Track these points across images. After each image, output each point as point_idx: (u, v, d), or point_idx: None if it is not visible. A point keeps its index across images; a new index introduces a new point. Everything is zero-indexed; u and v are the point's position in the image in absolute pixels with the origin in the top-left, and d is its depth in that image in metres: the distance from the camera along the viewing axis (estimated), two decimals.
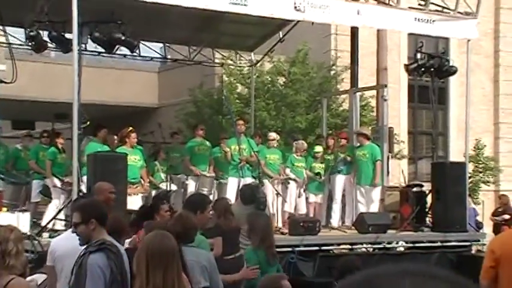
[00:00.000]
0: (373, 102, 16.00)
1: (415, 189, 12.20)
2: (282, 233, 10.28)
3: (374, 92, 15.37)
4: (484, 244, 10.87)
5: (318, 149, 12.09)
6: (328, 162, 11.97)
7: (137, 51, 12.96)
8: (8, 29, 12.77)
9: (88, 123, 9.36)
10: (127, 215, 5.86)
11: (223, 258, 6.71)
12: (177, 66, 17.94)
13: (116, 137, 10.75)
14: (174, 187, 11.09)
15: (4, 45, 12.99)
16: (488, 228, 14.67)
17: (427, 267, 0.98)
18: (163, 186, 11.09)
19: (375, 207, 11.40)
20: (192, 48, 14.82)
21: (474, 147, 18.93)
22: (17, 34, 12.68)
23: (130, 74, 21.65)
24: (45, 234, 8.94)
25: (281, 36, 14.25)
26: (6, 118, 20.49)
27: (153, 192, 11.00)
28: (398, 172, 15.44)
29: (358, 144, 11.95)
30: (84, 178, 9.00)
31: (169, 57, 15.39)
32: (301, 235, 9.84)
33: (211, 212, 6.36)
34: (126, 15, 10.28)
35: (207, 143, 11.80)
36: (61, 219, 9.37)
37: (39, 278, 5.23)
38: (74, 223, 4.49)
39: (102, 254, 4.23)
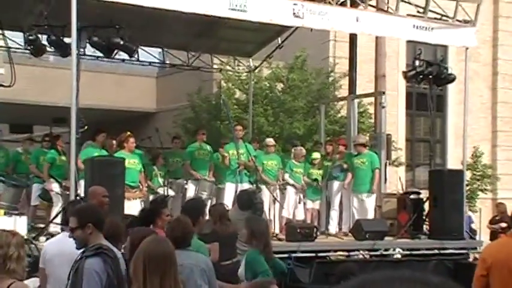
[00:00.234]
0: (371, 109, 16.02)
1: (412, 196, 12.20)
2: (279, 239, 10.27)
3: (372, 99, 15.39)
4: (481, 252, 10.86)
5: (316, 155, 12.10)
6: (326, 169, 11.97)
7: (136, 56, 12.99)
8: (7, 32, 12.80)
9: (86, 127, 9.36)
10: (124, 219, 5.85)
11: (220, 263, 6.71)
12: (176, 72, 17.95)
13: (114, 142, 10.75)
14: (171, 192, 11.08)
15: (3, 48, 13.00)
16: (485, 236, 14.66)
17: (420, 274, 0.98)
18: (161, 191, 11.08)
19: (370, 215, 11.39)
20: (191, 54, 14.84)
21: (472, 155, 18.95)
22: (16, 38, 12.69)
23: (129, 79, 21.67)
24: (43, 238, 8.92)
25: (280, 42, 14.28)
26: (4, 122, 20.50)
27: (151, 197, 11.00)
28: (396, 179, 15.44)
29: (356, 153, 11.96)
30: (82, 182, 9.00)
31: (167, 62, 15.39)
32: (298, 241, 9.84)
33: (207, 217, 6.37)
34: (125, 20, 10.30)
35: (208, 147, 11.81)
36: (58, 224, 9.36)
37: (36, 282, 5.22)
38: (71, 228, 4.48)
39: (98, 258, 4.22)
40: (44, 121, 21.36)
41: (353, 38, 14.23)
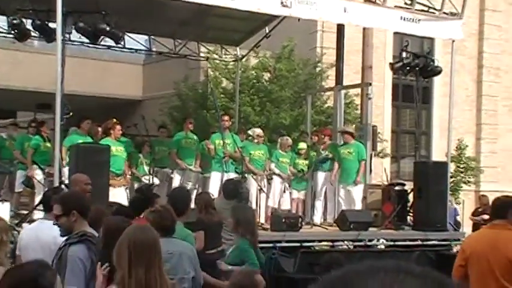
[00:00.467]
0: (358, 100, 16.05)
1: (397, 187, 12.25)
2: (264, 229, 10.28)
3: (359, 90, 15.42)
4: None
5: (302, 145, 12.12)
6: (311, 159, 12.00)
7: (122, 42, 12.89)
8: None
9: (71, 114, 9.28)
10: (109, 207, 5.81)
11: (204, 252, 6.71)
12: (162, 59, 17.87)
13: (100, 129, 10.68)
14: (156, 180, 11.05)
15: None
16: (468, 228, 14.79)
17: (404, 264, 0.98)
18: (146, 179, 11.05)
19: (357, 206, 11.44)
20: (178, 42, 14.76)
21: (456, 148, 19.07)
22: None
23: (115, 66, 21.52)
24: (26, 225, 8.85)
25: (267, 31, 14.23)
26: None
27: (136, 185, 10.96)
28: (381, 170, 15.51)
29: (342, 142, 11.97)
30: (66, 169, 8.94)
31: (154, 49, 15.31)
32: (283, 231, 9.85)
33: (192, 206, 6.36)
34: (112, 6, 10.21)
35: (194, 136, 11.78)
36: (41, 210, 9.30)
37: None
38: (55, 215, 4.45)
39: (82, 245, 4.20)
40: (28, 107, 21.23)
41: (340, 29, 14.22)
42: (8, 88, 19.03)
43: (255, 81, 17.49)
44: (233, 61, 16.04)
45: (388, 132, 19.96)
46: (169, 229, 4.84)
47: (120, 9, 10.85)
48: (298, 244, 9.89)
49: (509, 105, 22.21)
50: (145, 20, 13.17)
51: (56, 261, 4.28)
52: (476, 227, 14.77)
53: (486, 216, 15.09)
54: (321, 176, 11.84)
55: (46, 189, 9.53)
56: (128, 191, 10.29)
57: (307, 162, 11.97)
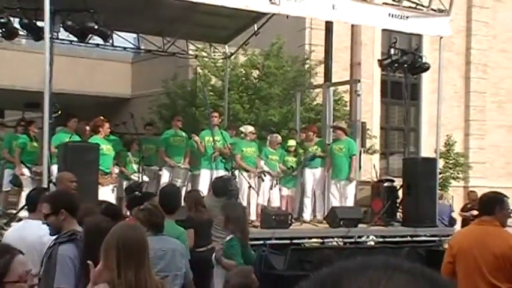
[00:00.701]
0: (347, 97, 16.08)
1: (386, 184, 12.29)
2: (254, 226, 10.29)
3: (347, 87, 15.44)
4: None
5: (291, 142, 12.12)
6: (300, 156, 12.01)
7: (110, 41, 12.85)
8: None
9: (59, 112, 9.24)
10: (98, 205, 5.80)
11: (194, 250, 6.72)
12: (151, 57, 17.81)
13: (87, 127, 10.64)
14: (145, 178, 11.02)
15: None
16: (457, 224, 14.87)
17: (391, 260, 0.99)
18: (135, 177, 11.02)
19: (350, 202, 11.46)
20: (166, 39, 14.72)
21: (445, 144, 19.16)
22: None
23: (103, 64, 21.45)
24: (14, 224, 8.81)
25: (256, 29, 14.23)
26: None
27: (125, 183, 10.93)
28: (370, 167, 15.56)
29: (333, 139, 11.98)
30: (54, 167, 8.90)
31: (142, 47, 15.26)
32: (272, 228, 9.86)
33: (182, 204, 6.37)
34: (100, 4, 10.17)
35: (183, 134, 11.76)
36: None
37: None
38: (44, 214, 4.44)
39: (72, 244, 4.18)
40: (16, 106, 21.11)
41: (329, 26, 14.24)
42: None
43: (243, 78, 17.49)
44: (222, 59, 16.02)
45: (377, 129, 20.03)
46: (160, 226, 4.86)
47: (109, 7, 10.81)
48: (288, 241, 9.92)
49: (497, 101, 22.34)
50: (134, 18, 13.13)
51: (45, 260, 4.26)
52: (465, 222, 14.85)
53: (475, 212, 15.12)
54: (308, 173, 11.84)
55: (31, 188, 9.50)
56: (115, 189, 10.26)
57: (296, 159, 11.98)
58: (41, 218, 4.60)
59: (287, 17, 11.20)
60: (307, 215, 11.69)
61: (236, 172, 10.79)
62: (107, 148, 10.07)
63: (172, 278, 4.87)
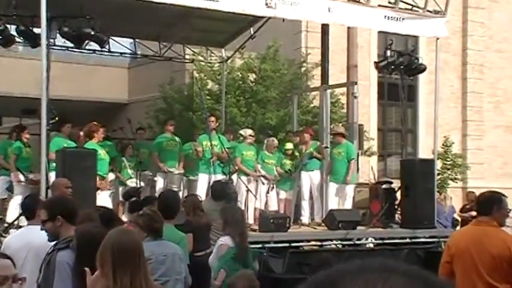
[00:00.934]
0: (344, 99, 16.09)
1: (384, 186, 12.30)
2: (253, 230, 10.28)
3: (344, 89, 15.45)
4: None
5: (289, 145, 12.12)
6: (296, 159, 12.00)
7: (107, 46, 12.86)
8: None
9: (57, 118, 9.24)
10: (96, 211, 5.80)
11: (193, 254, 6.71)
12: (147, 62, 17.83)
13: (81, 133, 10.61)
14: (142, 183, 11.01)
15: None
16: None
17: (387, 262, 0.99)
18: (130, 182, 10.99)
19: (348, 204, 11.47)
20: (163, 44, 14.74)
21: (442, 145, 19.18)
22: None
23: (100, 70, 21.45)
24: (13, 231, 8.79)
25: (252, 32, 14.24)
26: None
27: (121, 189, 10.92)
28: (368, 169, 15.57)
29: (331, 141, 11.98)
30: (52, 174, 8.89)
31: (139, 52, 15.27)
32: (271, 232, 9.85)
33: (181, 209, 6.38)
34: (96, 10, 10.18)
35: (177, 138, 11.76)
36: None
37: None
38: (42, 220, 4.44)
39: (70, 251, 4.18)
40: (13, 112, 21.11)
41: (325, 29, 14.26)
42: None
43: (240, 82, 17.50)
44: (218, 63, 16.03)
45: (374, 131, 20.04)
46: (160, 231, 4.87)
47: (105, 13, 10.82)
48: (286, 244, 9.91)
49: (494, 101, 22.37)
50: (130, 23, 13.14)
51: (44, 266, 4.26)
52: (464, 223, 14.87)
53: (474, 213, 15.14)
54: (305, 176, 11.81)
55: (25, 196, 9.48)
56: (112, 195, 10.25)
57: (294, 162, 11.98)
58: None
59: (283, 20, 11.23)
60: (305, 218, 11.68)
61: (234, 176, 10.79)
62: (103, 153, 10.06)
63: (173, 282, 4.88)
